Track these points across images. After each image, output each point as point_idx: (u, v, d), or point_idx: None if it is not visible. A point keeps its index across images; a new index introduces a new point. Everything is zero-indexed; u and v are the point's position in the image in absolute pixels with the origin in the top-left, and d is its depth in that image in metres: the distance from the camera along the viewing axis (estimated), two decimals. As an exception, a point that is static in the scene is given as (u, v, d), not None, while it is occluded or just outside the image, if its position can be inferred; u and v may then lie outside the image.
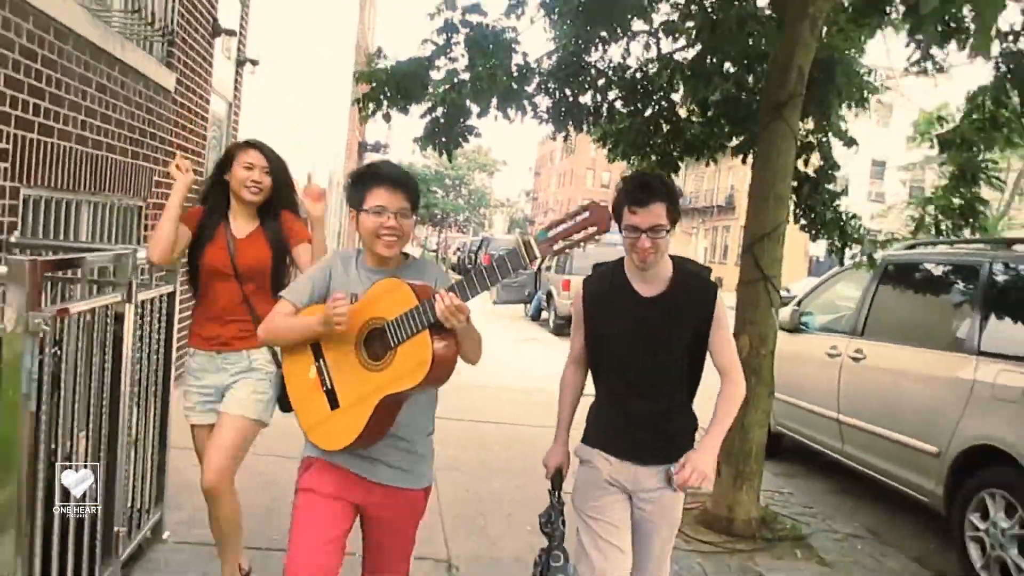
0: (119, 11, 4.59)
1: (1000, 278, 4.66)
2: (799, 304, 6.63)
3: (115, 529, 3.01)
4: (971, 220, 5.77)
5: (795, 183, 5.08)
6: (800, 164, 5.27)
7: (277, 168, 3.11)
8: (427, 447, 2.41)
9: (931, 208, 5.88)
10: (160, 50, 5.42)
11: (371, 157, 28.29)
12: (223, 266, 3.03)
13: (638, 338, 2.49)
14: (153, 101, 5.21)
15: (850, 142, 5.37)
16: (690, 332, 2.51)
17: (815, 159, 5.35)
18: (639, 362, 2.50)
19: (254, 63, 7.82)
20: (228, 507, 2.99)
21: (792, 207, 5.05)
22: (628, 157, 6.28)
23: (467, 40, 5.22)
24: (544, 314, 16.20)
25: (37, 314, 2.22)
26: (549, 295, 15.72)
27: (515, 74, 5.35)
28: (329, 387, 2.26)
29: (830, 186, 5.29)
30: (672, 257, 2.55)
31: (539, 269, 17.80)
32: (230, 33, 6.84)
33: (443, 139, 5.52)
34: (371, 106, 5.28)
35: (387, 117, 5.39)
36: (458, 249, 34.91)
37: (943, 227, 5.80)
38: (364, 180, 2.32)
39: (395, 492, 2.33)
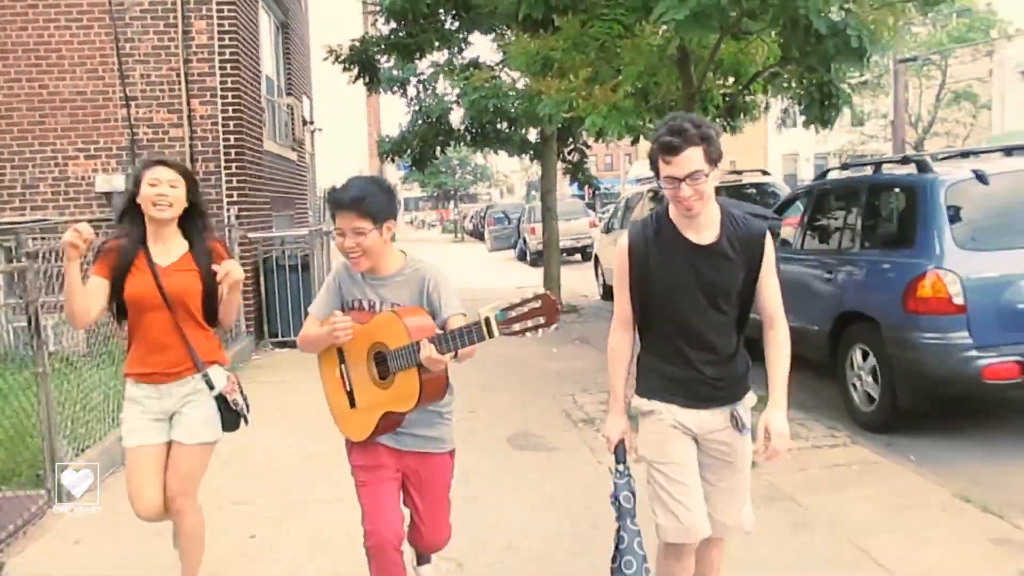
0: (287, 140, 11.32)
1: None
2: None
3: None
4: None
5: (571, 166, 11.83)
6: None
7: (188, 179, 2.92)
8: (446, 417, 2.73)
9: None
10: (291, 144, 12.18)
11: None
12: (151, 296, 2.88)
13: (698, 288, 2.42)
14: (290, 168, 11.94)
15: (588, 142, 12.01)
16: (742, 276, 2.45)
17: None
18: (700, 311, 2.43)
19: (320, 130, 14.49)
20: (192, 522, 3.02)
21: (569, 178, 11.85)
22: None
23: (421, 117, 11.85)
24: (525, 253, 22.83)
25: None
26: (524, 240, 22.36)
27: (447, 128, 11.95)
28: (349, 389, 2.67)
29: (586, 168, 12.10)
30: (718, 200, 2.46)
31: (519, 222, 24.39)
32: (311, 123, 13.52)
33: (419, 165, 12.20)
34: (385, 156, 11.99)
35: (392, 160, 12.09)
36: (471, 217, 41.69)
37: None
38: (329, 205, 2.57)
39: (421, 457, 2.70)
